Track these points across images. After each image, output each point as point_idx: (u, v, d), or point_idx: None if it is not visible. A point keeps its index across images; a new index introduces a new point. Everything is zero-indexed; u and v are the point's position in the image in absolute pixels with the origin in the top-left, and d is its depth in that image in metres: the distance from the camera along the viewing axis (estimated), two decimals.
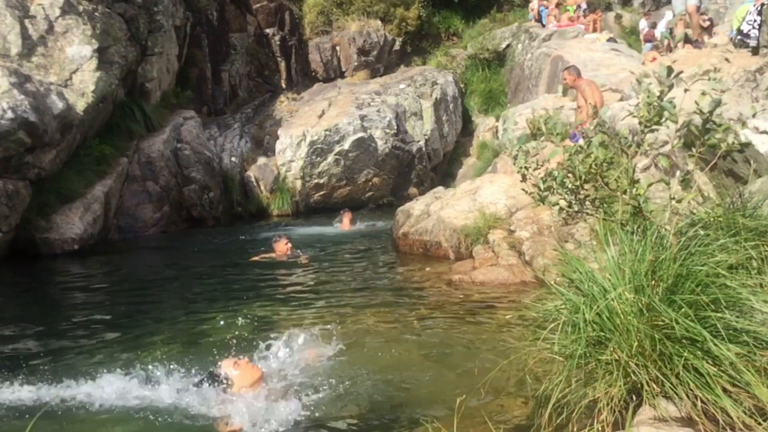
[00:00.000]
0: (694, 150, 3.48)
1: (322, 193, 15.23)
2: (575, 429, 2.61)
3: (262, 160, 14.97)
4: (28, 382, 4.09)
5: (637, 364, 2.53)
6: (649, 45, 16.42)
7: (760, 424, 2.26)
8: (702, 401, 2.37)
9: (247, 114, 16.74)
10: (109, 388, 3.90)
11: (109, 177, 11.22)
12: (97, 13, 11.01)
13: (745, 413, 2.27)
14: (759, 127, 4.89)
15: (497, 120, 16.74)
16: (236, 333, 5.40)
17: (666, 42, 15.20)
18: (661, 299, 2.59)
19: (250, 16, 18.67)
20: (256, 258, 8.80)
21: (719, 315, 2.44)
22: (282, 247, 8.76)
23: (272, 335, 5.23)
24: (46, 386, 3.97)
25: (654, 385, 2.49)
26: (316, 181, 15.03)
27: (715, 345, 2.34)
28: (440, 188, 10.39)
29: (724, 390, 2.32)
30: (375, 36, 19.77)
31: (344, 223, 12.05)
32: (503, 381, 3.56)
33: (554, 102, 12.50)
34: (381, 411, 3.60)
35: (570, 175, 3.79)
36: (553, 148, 3.79)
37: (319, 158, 14.89)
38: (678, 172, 3.59)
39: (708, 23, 14.06)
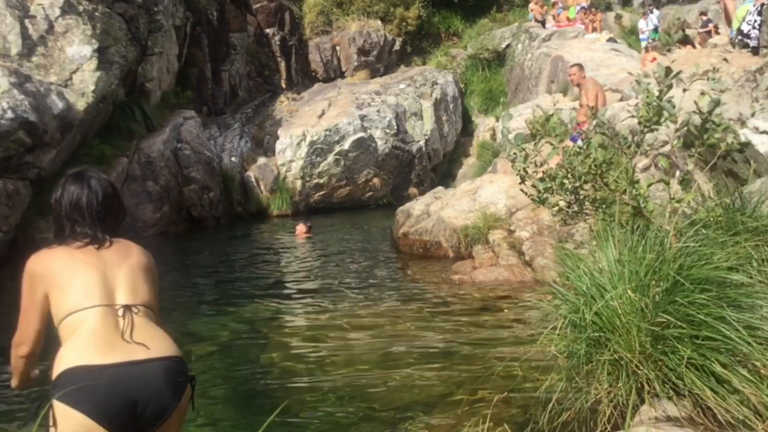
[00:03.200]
0: (693, 150, 3.48)
1: (322, 193, 15.23)
2: (576, 429, 2.62)
3: (262, 160, 14.96)
4: None
5: (638, 364, 2.53)
6: (643, 40, 16.43)
7: (758, 424, 2.27)
8: (703, 399, 2.38)
9: (247, 114, 16.73)
10: None
11: (108, 177, 11.20)
12: (97, 13, 11.01)
13: (748, 411, 2.27)
14: (759, 127, 4.89)
15: (497, 120, 16.74)
16: (234, 334, 5.41)
17: (655, 41, 15.21)
18: (661, 299, 2.60)
19: (250, 16, 18.67)
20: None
21: (721, 313, 2.44)
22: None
23: (270, 336, 5.24)
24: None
25: (655, 385, 2.49)
26: (316, 181, 15.02)
27: (747, 344, 2.33)
28: (440, 188, 10.39)
29: (727, 388, 2.33)
30: (375, 36, 19.76)
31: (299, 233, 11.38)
32: (504, 381, 3.56)
33: (554, 101, 12.47)
34: (381, 410, 3.60)
35: (570, 175, 3.79)
36: (551, 149, 3.79)
37: (319, 158, 14.89)
38: (678, 172, 3.60)
39: (709, 26, 14.12)
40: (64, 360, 1.89)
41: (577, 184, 3.79)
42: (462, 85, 18.97)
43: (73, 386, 1.81)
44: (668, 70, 3.48)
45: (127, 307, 1.99)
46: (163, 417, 1.92)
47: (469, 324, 5.22)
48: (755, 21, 8.51)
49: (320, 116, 15.60)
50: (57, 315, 1.99)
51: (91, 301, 1.96)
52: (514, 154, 3.98)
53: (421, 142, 16.31)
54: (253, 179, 14.65)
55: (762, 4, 8.46)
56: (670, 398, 2.46)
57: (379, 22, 20.02)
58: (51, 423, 1.83)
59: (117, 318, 1.97)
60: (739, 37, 8.90)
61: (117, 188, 2.33)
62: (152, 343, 1.95)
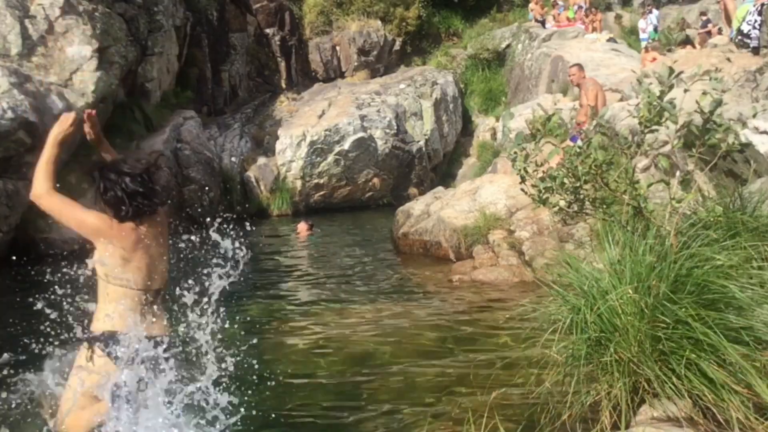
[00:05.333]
0: (694, 150, 3.48)
1: (322, 193, 15.23)
2: (576, 429, 2.62)
3: (262, 160, 14.96)
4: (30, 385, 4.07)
5: (638, 364, 2.53)
6: (643, 39, 16.44)
7: (761, 423, 2.27)
8: (702, 400, 2.38)
9: (247, 114, 16.73)
10: None
11: None
12: (97, 13, 11.01)
13: (747, 412, 2.27)
14: (759, 127, 4.89)
15: (497, 120, 16.75)
16: (230, 334, 5.40)
17: (655, 41, 15.22)
18: (662, 299, 2.59)
19: (250, 16, 18.66)
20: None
21: (721, 315, 2.44)
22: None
23: (269, 335, 5.23)
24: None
25: (655, 385, 2.49)
26: (316, 181, 15.02)
27: (724, 345, 2.33)
28: (440, 188, 10.39)
29: (726, 389, 2.32)
30: (375, 36, 19.75)
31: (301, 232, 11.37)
32: (504, 381, 3.56)
33: (555, 101, 12.49)
34: (379, 409, 3.60)
35: (570, 175, 3.79)
36: (552, 148, 3.78)
37: (319, 158, 14.89)
38: (678, 172, 3.59)
39: (709, 26, 14.13)
40: (107, 323, 2.82)
41: (578, 184, 3.78)
42: (462, 85, 18.97)
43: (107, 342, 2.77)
44: (670, 69, 3.48)
45: (158, 291, 2.98)
46: None
47: (468, 324, 5.22)
48: (755, 21, 8.50)
49: (320, 116, 15.60)
50: (111, 272, 2.84)
51: (139, 285, 2.87)
52: (515, 153, 3.98)
53: (421, 142, 16.31)
54: (253, 179, 14.65)
55: (762, 4, 8.45)
56: (670, 398, 2.46)
57: (379, 22, 20.01)
58: (89, 359, 2.78)
59: (148, 298, 2.92)
60: (739, 37, 8.90)
61: (157, 170, 3.01)
62: (159, 323, 2.95)
